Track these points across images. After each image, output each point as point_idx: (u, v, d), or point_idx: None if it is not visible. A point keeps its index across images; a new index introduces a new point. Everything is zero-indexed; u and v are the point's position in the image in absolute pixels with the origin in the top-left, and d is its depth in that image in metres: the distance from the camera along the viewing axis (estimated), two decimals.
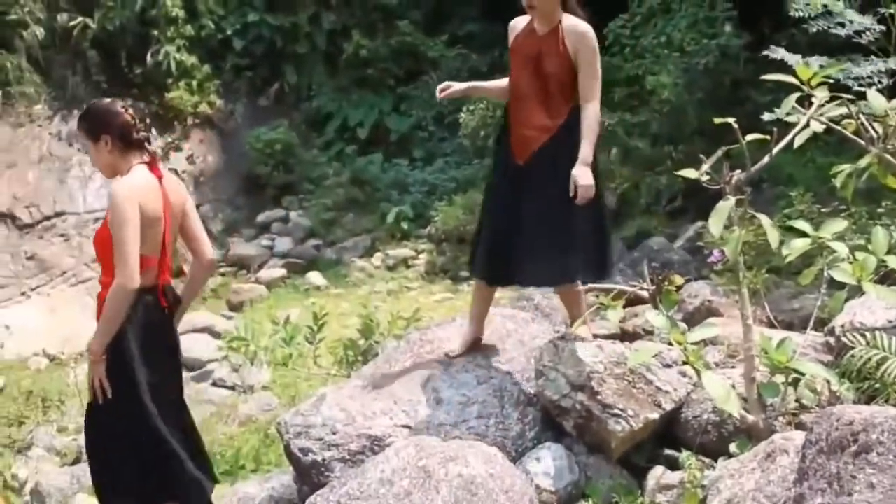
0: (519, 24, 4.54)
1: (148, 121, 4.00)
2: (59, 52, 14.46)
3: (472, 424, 4.19)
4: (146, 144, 3.77)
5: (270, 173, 14.20)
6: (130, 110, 3.78)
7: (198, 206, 13.30)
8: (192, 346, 9.78)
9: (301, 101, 15.76)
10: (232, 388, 8.24)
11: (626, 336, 5.09)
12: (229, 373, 8.32)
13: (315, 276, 12.27)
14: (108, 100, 3.95)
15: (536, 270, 4.36)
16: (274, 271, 12.60)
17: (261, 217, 13.96)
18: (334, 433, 4.18)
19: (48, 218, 13.06)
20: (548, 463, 4.00)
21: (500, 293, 9.67)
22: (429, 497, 3.34)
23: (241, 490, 5.65)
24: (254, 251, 13.21)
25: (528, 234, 4.29)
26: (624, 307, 4.70)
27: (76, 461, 7.46)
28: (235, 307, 11.80)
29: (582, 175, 4.12)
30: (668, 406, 4.05)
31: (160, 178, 3.76)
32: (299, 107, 15.70)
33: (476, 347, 4.61)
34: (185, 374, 9.12)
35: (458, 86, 4.62)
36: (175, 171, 14.07)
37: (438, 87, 4.60)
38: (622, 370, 4.07)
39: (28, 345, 11.50)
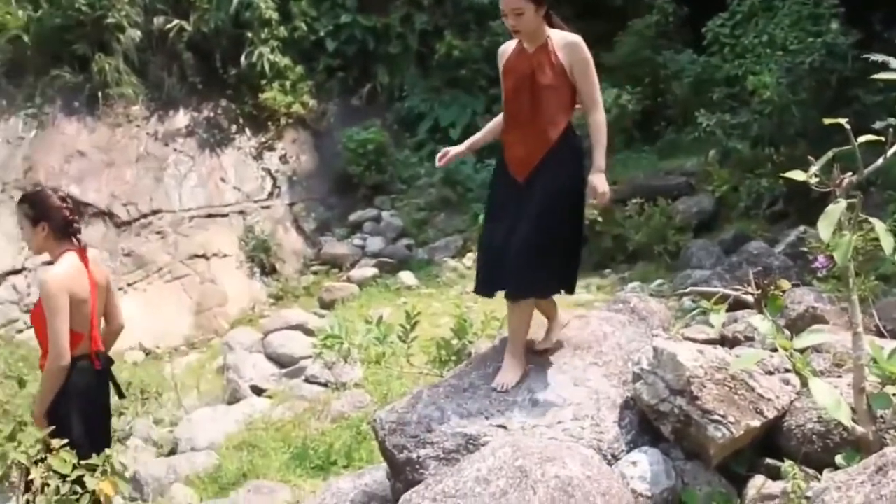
0: (508, 47, 4.59)
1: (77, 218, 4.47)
2: (156, 53, 14.85)
3: (568, 426, 4.13)
4: (78, 235, 4.36)
5: (363, 173, 14.32)
6: (68, 204, 4.37)
7: (291, 205, 13.77)
8: (284, 342, 9.96)
9: (393, 101, 15.88)
10: (325, 384, 8.30)
11: (725, 342, 4.98)
12: (322, 369, 8.38)
13: (406, 276, 12.32)
14: (50, 192, 4.47)
15: (528, 279, 4.36)
16: (366, 270, 12.69)
17: (353, 216, 14.09)
18: (429, 431, 4.16)
19: (145, 216, 13.39)
20: (644, 467, 3.92)
21: (595, 294, 9.58)
22: (525, 497, 3.30)
23: (335, 485, 5.67)
24: (346, 250, 13.33)
25: (521, 242, 4.32)
26: None
27: (172, 452, 7.63)
28: (327, 305, 11.93)
29: (599, 182, 4.24)
30: (771, 414, 3.93)
31: (86, 263, 4.30)
32: (391, 107, 15.82)
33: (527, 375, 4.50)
34: (278, 371, 9.36)
35: (455, 149, 4.70)
36: (268, 171, 14.35)
37: (437, 156, 4.71)
38: (723, 376, 3.96)
39: (125, 339, 11.63)
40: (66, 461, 3.12)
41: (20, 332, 11.98)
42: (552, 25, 4.44)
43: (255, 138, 14.81)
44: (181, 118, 14.68)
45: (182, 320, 12.37)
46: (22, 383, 5.99)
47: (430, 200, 13.95)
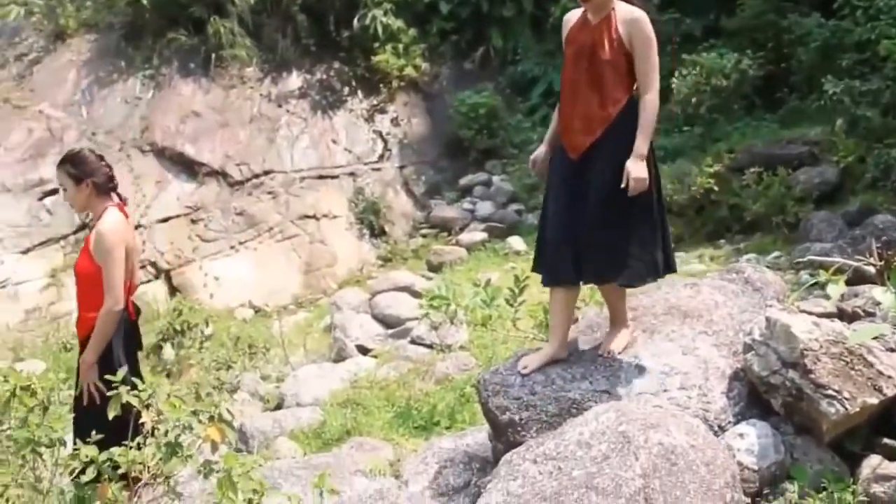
0: (572, 17, 4.48)
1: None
2: (270, 16, 15.01)
3: (674, 395, 4.05)
4: (117, 191, 4.59)
5: (474, 137, 14.25)
6: (106, 161, 4.59)
7: (401, 168, 13.84)
8: (391, 303, 10.00)
9: (506, 65, 15.73)
10: (430, 346, 8.31)
11: (843, 316, 4.77)
12: (428, 331, 8.40)
13: (515, 241, 12.24)
14: (88, 151, 4.68)
15: (600, 267, 4.24)
16: (474, 234, 12.66)
17: (463, 180, 14.05)
18: (533, 394, 4.13)
19: (257, 176, 13.61)
20: (752, 440, 3.81)
21: (707, 265, 9.28)
22: (626, 462, 3.24)
23: (437, 445, 5.71)
24: (455, 214, 13.32)
25: (590, 229, 4.20)
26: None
27: (278, 407, 7.76)
28: (435, 268, 11.96)
29: (634, 168, 4.06)
30: (890, 392, 3.77)
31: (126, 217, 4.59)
32: (504, 71, 15.68)
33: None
34: (384, 331, 9.43)
35: (540, 154, 4.58)
36: (379, 134, 14.42)
37: (529, 165, 4.69)
38: (839, 349, 3.81)
39: (235, 296, 12.09)
40: (175, 406, 3.17)
41: None
42: None
43: (367, 101, 14.89)
44: (294, 80, 14.85)
45: (291, 279, 12.57)
46: None
47: None
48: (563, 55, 4.46)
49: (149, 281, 12.30)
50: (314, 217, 13.19)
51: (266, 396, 7.98)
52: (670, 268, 4.40)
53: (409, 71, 14.85)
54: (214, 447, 3.25)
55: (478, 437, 5.57)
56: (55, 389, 4.12)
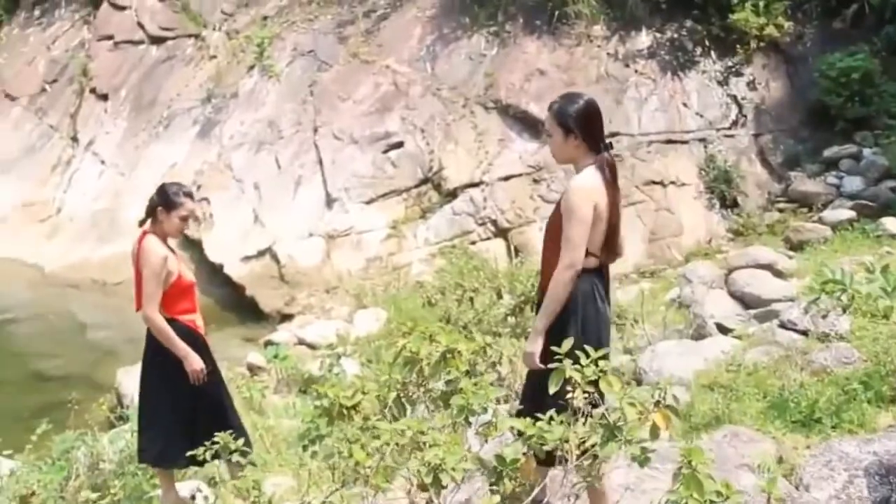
0: None
1: None
2: None
3: None
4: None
5: (843, 104, 12.70)
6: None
7: (756, 136, 12.69)
8: (751, 281, 9.08)
9: (883, 24, 13.95)
10: (804, 332, 7.31)
11: None
12: (802, 315, 7.39)
13: (890, 222, 10.76)
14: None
15: None
16: (840, 212, 11.30)
17: (827, 152, 12.59)
18: None
19: None
20: None
21: None
22: None
23: (837, 447, 5.08)
24: (818, 188, 11.99)
25: None
26: None
27: (637, 382, 7.15)
28: (795, 246, 10.79)
29: (528, 342, 4.08)
30: None
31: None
32: (880, 31, 13.88)
33: None
34: (743, 311, 8.54)
35: None
36: (734, 98, 13.34)
37: None
38: None
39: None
40: (611, 384, 2.64)
41: (473, 243, 12.21)
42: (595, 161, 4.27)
43: (721, 62, 13.79)
44: (643, 39, 14.05)
45: (634, 247, 11.86)
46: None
47: None
48: None
49: (488, 238, 12.11)
50: (661, 183, 12.39)
51: (621, 369, 7.36)
52: None
53: (769, 30, 13.54)
54: (655, 433, 2.67)
55: (889, 445, 4.81)
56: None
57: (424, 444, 2.65)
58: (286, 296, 12.27)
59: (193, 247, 13.60)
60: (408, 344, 3.07)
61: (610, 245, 4.29)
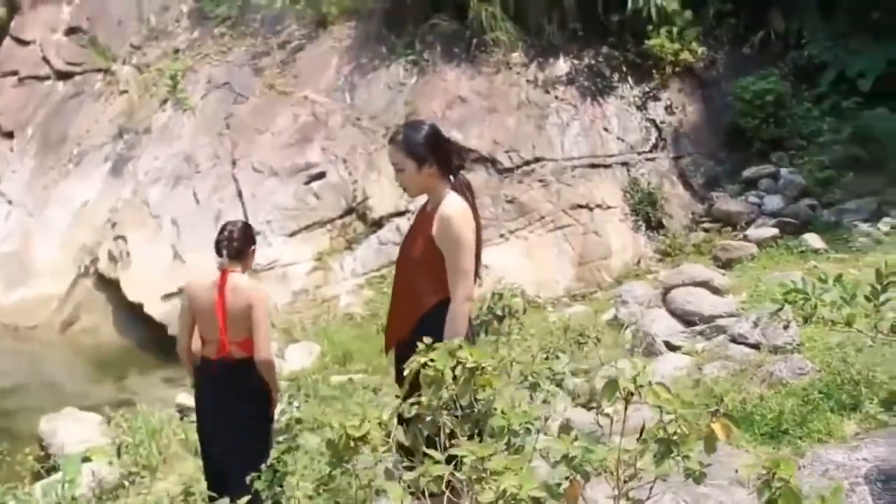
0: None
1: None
2: (535, 0, 14.34)
3: None
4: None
5: (758, 126, 13.00)
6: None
7: (677, 159, 12.88)
8: (690, 299, 9.13)
9: (789, 49, 14.40)
10: (755, 346, 7.37)
11: None
12: (751, 329, 7.46)
13: (812, 238, 11.03)
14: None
15: None
16: (763, 230, 11.51)
17: (746, 172, 12.82)
18: None
19: (527, 163, 13.00)
20: None
21: None
22: None
23: (825, 456, 5.06)
24: (740, 208, 12.20)
25: None
26: None
27: (589, 402, 7.05)
28: (724, 264, 10.94)
29: None
30: None
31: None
32: (786, 56, 14.34)
33: None
34: (684, 328, 8.57)
35: None
36: (653, 122, 13.51)
37: None
38: None
39: (505, 285, 11.46)
40: (657, 394, 2.50)
41: None
42: (454, 187, 4.09)
43: (639, 87, 13.98)
44: (561, 65, 14.16)
45: (564, 271, 11.87)
46: None
47: (835, 158, 12.46)
48: None
49: None
50: (587, 207, 12.43)
51: (575, 391, 7.25)
52: None
53: (684, 56, 13.82)
54: (711, 446, 2.54)
55: (875, 450, 4.85)
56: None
57: (486, 471, 2.43)
58: None
59: (110, 287, 13.11)
60: (432, 362, 2.84)
61: (476, 271, 4.14)
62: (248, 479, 5.15)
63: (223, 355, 5.28)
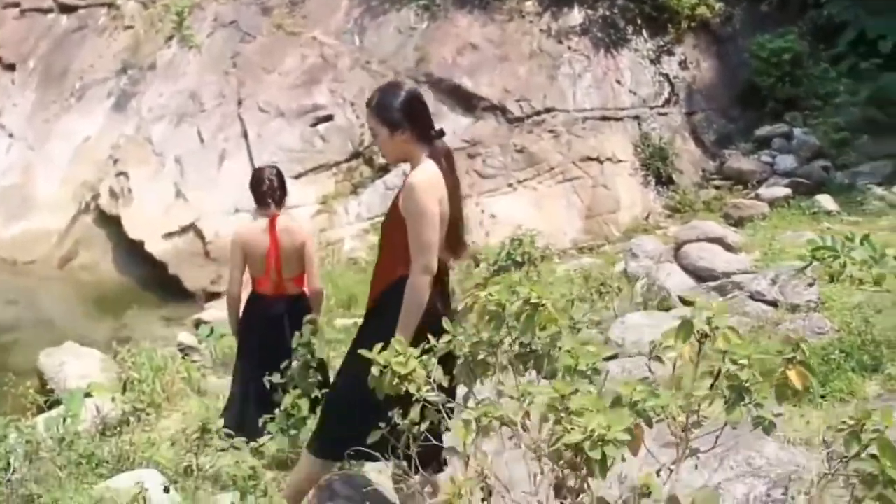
0: None
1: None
2: None
3: None
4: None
5: (774, 85, 12.83)
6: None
7: (689, 114, 12.65)
8: (703, 255, 8.98)
9: (807, 8, 14.17)
10: (773, 303, 7.25)
11: None
12: (769, 286, 7.33)
13: (825, 200, 10.92)
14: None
15: None
16: (776, 189, 11.39)
17: (759, 131, 12.69)
18: None
19: (538, 113, 12.81)
20: None
21: None
22: None
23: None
24: (752, 166, 12.07)
25: None
26: None
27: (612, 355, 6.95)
28: (736, 222, 10.81)
29: None
30: None
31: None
32: (805, 15, 14.12)
33: None
34: (696, 283, 8.45)
35: None
36: (666, 77, 13.29)
37: None
38: None
39: (511, 235, 11.35)
40: (729, 338, 2.37)
41: None
42: (432, 154, 3.84)
43: (653, 41, 13.75)
44: (575, 16, 13.89)
45: (571, 223, 11.73)
46: None
47: (851, 120, 12.32)
48: None
49: None
50: (597, 160, 12.26)
51: (591, 342, 7.14)
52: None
53: (701, 10, 13.61)
54: (783, 395, 2.41)
55: None
56: None
57: (567, 410, 2.30)
58: (212, 274, 11.72)
59: (111, 223, 12.92)
60: (491, 296, 2.70)
61: (451, 241, 3.95)
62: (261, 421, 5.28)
63: (281, 292, 5.73)
